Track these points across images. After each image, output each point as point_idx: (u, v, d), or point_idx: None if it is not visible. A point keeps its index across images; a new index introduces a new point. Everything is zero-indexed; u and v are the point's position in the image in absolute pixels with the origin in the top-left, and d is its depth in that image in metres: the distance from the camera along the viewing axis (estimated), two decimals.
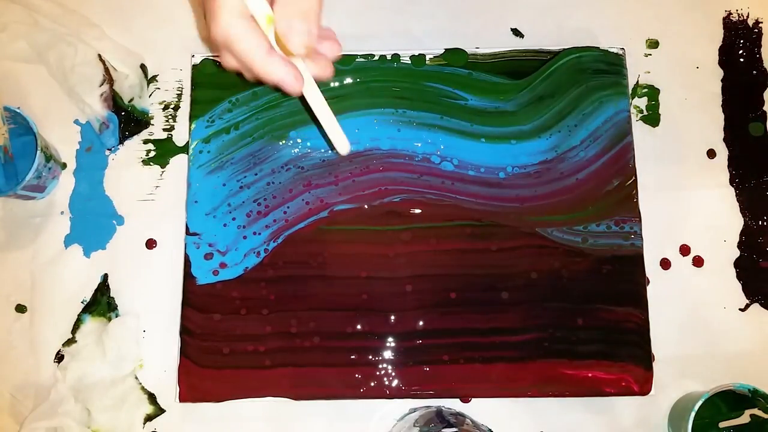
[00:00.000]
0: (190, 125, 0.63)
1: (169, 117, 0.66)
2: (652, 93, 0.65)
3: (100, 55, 0.64)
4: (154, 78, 0.66)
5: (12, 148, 0.61)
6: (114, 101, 0.65)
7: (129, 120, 0.65)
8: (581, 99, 0.63)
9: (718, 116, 0.65)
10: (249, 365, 0.58)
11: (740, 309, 0.62)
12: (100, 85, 0.64)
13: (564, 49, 0.64)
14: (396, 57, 0.64)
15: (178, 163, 0.64)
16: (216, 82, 0.63)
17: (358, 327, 0.59)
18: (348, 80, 0.63)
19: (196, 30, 0.67)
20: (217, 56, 0.63)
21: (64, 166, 0.65)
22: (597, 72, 0.63)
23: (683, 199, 0.63)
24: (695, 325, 0.61)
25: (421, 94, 0.63)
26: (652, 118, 0.65)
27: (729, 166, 0.64)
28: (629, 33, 0.66)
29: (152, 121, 0.66)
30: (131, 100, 0.65)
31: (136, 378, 0.60)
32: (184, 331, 0.59)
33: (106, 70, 0.64)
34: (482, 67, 0.64)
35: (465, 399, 0.59)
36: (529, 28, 0.67)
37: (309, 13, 0.45)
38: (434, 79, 0.63)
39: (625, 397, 0.58)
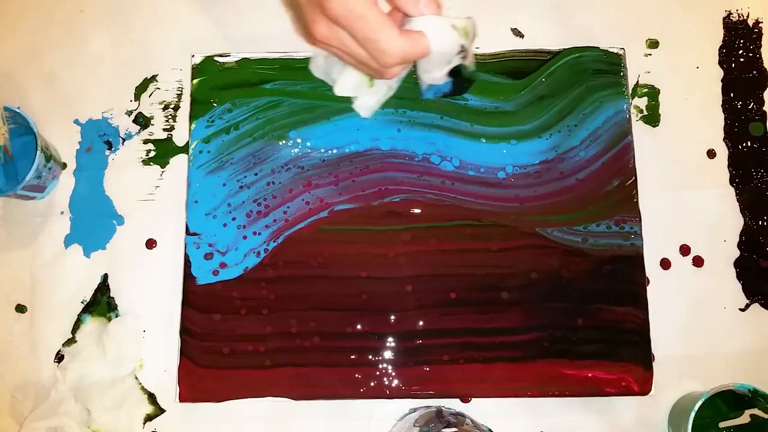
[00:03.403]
0: (190, 125, 0.63)
1: (169, 117, 0.66)
2: (652, 93, 0.65)
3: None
4: (154, 78, 0.66)
5: (12, 148, 0.61)
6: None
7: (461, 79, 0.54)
8: (581, 99, 0.63)
9: (718, 116, 0.65)
10: (249, 365, 0.58)
11: (740, 309, 0.62)
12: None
13: (564, 49, 0.64)
14: None
15: (178, 163, 0.64)
16: (216, 83, 0.63)
17: (358, 327, 0.59)
18: None
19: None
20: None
21: (64, 166, 0.65)
22: (597, 72, 0.63)
23: (683, 199, 0.63)
24: (695, 325, 0.61)
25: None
26: (652, 118, 0.65)
27: (729, 166, 0.64)
28: (629, 33, 0.66)
29: (152, 121, 0.65)
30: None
31: (136, 378, 0.60)
32: (184, 331, 0.59)
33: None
34: (482, 67, 0.63)
35: (465, 399, 0.59)
36: (529, 28, 0.67)
37: None
38: None
39: (625, 397, 0.58)
